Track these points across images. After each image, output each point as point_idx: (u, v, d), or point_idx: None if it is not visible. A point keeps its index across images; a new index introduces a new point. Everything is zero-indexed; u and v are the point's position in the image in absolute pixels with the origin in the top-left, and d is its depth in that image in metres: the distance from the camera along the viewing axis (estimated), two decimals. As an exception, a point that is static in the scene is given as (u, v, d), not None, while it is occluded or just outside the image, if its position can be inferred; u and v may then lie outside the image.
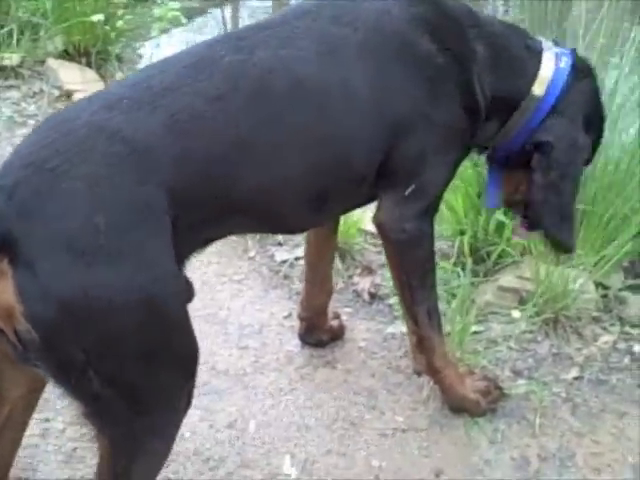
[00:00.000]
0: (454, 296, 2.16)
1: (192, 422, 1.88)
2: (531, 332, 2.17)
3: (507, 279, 2.26)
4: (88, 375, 1.25)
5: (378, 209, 1.71)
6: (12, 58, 3.45)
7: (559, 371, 2.06)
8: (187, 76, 1.44)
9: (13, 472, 1.73)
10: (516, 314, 2.18)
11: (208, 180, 1.43)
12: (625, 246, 2.24)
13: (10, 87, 3.44)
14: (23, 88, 3.43)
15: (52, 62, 3.47)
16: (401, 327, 2.11)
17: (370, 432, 1.87)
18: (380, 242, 2.40)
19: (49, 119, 1.44)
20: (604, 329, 2.21)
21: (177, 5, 3.54)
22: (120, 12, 3.45)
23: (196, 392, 1.93)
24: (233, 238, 2.36)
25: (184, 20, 3.61)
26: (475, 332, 2.16)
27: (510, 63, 1.75)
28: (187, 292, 1.51)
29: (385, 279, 2.33)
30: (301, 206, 1.58)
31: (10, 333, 1.24)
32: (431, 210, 1.71)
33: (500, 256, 2.30)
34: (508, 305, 2.23)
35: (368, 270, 2.38)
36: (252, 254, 2.48)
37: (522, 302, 2.21)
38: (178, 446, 1.82)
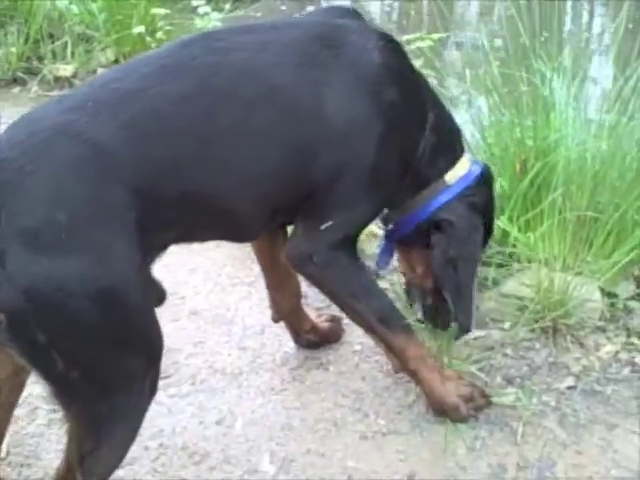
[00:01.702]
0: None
1: (184, 418, 1.97)
2: (530, 340, 2.15)
3: (509, 286, 2.24)
4: (52, 356, 1.38)
5: (289, 240, 1.74)
6: (67, 69, 3.66)
7: (552, 380, 2.03)
8: (155, 78, 1.51)
9: (18, 459, 1.87)
10: (513, 322, 2.16)
11: (170, 181, 1.50)
12: (634, 250, 2.19)
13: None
14: (76, 97, 3.63)
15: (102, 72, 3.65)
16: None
17: (351, 434, 1.90)
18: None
19: (22, 118, 1.52)
20: (608, 339, 2.15)
21: (219, 16, 3.66)
22: (160, 23, 3.60)
23: (192, 389, 2.07)
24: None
25: (226, 30, 3.72)
26: (475, 338, 2.16)
27: (446, 143, 1.86)
28: (156, 291, 1.60)
29: (391, 283, 2.35)
30: (255, 213, 1.63)
31: None
32: (347, 242, 1.72)
33: (502, 264, 2.29)
34: (510, 312, 2.21)
35: (373, 274, 2.41)
36: (265, 257, 2.54)
37: (522, 309, 2.18)
38: (168, 440, 1.92)
